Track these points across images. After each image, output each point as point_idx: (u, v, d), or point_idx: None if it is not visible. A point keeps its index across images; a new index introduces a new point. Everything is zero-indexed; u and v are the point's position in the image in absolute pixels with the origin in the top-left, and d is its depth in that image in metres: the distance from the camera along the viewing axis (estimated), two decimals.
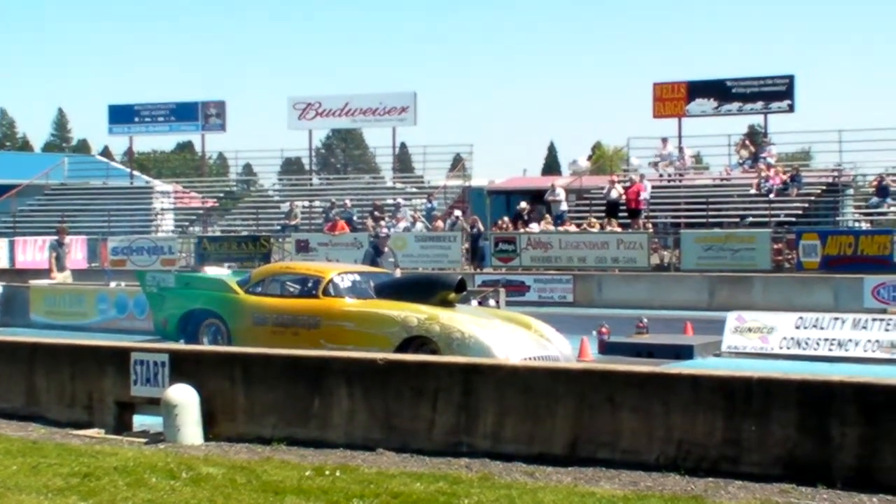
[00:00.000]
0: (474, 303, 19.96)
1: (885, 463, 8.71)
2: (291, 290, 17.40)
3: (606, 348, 18.46)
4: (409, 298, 16.33)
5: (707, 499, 8.28)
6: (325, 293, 16.77)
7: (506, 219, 36.66)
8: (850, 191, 37.31)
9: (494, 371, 10.59)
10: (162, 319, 18.64)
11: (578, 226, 34.78)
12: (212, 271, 20.57)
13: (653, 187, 36.33)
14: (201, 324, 17.82)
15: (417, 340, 15.43)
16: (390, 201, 40.96)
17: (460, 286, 17.05)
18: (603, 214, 35.05)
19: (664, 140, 39.66)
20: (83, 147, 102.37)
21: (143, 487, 8.67)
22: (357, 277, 17.44)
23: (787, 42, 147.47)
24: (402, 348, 15.21)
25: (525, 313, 17.43)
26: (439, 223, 36.63)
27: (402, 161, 57.59)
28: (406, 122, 45.01)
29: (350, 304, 16.54)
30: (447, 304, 16.44)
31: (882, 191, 33.22)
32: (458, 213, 37.31)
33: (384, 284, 17.34)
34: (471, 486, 8.66)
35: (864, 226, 33.61)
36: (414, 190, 46.03)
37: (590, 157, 67.53)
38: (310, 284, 17.11)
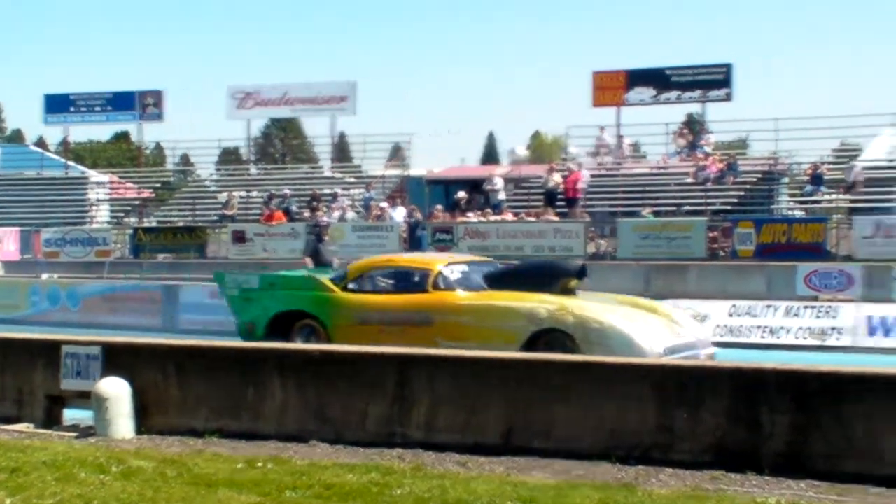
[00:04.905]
0: None
1: (815, 450, 8.83)
2: (396, 285, 16.19)
3: None
4: (525, 288, 15.15)
5: (638, 486, 8.32)
6: (435, 287, 15.55)
7: (439, 207, 36.61)
8: (786, 179, 37.63)
9: (428, 362, 10.57)
10: (248, 324, 16.89)
11: (516, 215, 34.84)
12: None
13: (591, 176, 36.43)
14: (293, 326, 16.40)
15: (549, 334, 14.28)
16: (328, 191, 40.77)
17: (582, 272, 16.04)
18: (541, 203, 35.13)
19: (602, 128, 39.86)
20: (17, 137, 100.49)
21: (73, 482, 8.56)
22: (466, 268, 16.30)
23: (725, 30, 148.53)
24: (530, 343, 14.15)
25: None
26: (375, 212, 36.52)
27: (341, 151, 57.24)
28: (346, 111, 44.73)
29: (463, 296, 15.35)
30: (568, 292, 15.33)
31: (816, 179, 33.51)
32: (383, 204, 37.09)
33: (495, 274, 16.21)
34: (403, 476, 8.65)
35: (799, 214, 33.96)
36: (352, 180, 45.81)
37: (528, 146, 67.71)
38: (416, 278, 15.87)
